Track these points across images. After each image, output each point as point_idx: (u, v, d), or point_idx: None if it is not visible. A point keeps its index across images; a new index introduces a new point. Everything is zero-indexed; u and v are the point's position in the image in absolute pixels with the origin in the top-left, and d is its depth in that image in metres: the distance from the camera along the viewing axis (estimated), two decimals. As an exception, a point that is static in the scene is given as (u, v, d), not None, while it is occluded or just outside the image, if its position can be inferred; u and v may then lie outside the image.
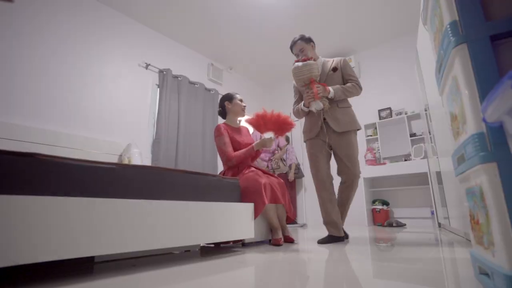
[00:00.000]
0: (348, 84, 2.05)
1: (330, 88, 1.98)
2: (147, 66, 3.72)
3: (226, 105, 2.26)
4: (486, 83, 0.68)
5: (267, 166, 4.08)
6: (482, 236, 0.77)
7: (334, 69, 2.10)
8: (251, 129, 3.33)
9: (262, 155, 4.10)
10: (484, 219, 0.72)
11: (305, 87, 1.98)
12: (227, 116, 2.28)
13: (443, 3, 0.80)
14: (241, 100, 2.27)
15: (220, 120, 4.53)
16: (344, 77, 2.10)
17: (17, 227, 0.80)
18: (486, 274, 0.75)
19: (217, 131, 2.10)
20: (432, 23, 1.03)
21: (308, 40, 2.13)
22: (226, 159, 2.04)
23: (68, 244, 0.89)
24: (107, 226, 1.00)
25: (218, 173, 4.10)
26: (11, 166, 0.85)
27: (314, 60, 2.04)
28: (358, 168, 2.02)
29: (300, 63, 1.94)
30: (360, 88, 2.07)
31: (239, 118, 2.33)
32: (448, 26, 0.77)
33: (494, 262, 0.66)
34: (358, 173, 2.02)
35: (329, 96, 1.98)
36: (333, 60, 2.14)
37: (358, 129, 2.08)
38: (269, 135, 2.05)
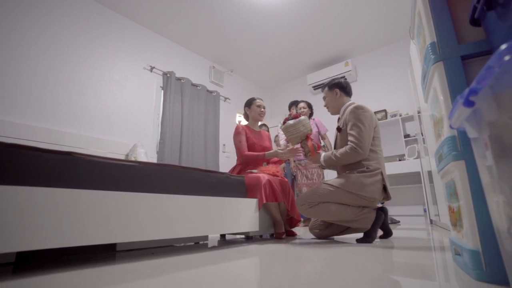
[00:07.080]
0: (341, 150, 1.69)
1: (322, 155, 1.78)
2: (151, 69, 3.84)
3: (246, 110, 2.43)
4: (457, 94, 0.83)
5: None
6: (456, 222, 0.91)
7: (339, 129, 1.82)
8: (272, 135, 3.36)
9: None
10: (457, 207, 0.86)
11: (300, 143, 1.86)
12: (249, 120, 2.44)
13: (425, 26, 0.95)
14: (259, 106, 2.36)
15: (222, 122, 4.68)
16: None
17: (61, 215, 0.93)
18: (459, 255, 0.90)
19: (236, 130, 2.29)
20: (418, 39, 1.18)
21: (333, 87, 1.90)
22: (239, 156, 2.23)
23: (96, 231, 1.03)
24: (129, 217, 1.13)
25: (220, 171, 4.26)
26: (53, 163, 0.98)
27: (330, 108, 1.92)
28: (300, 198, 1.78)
29: (291, 121, 1.80)
30: (357, 152, 1.63)
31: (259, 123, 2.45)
32: (429, 45, 0.91)
33: (463, 242, 0.81)
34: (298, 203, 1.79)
35: (321, 163, 1.79)
36: (345, 114, 1.79)
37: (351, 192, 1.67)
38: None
